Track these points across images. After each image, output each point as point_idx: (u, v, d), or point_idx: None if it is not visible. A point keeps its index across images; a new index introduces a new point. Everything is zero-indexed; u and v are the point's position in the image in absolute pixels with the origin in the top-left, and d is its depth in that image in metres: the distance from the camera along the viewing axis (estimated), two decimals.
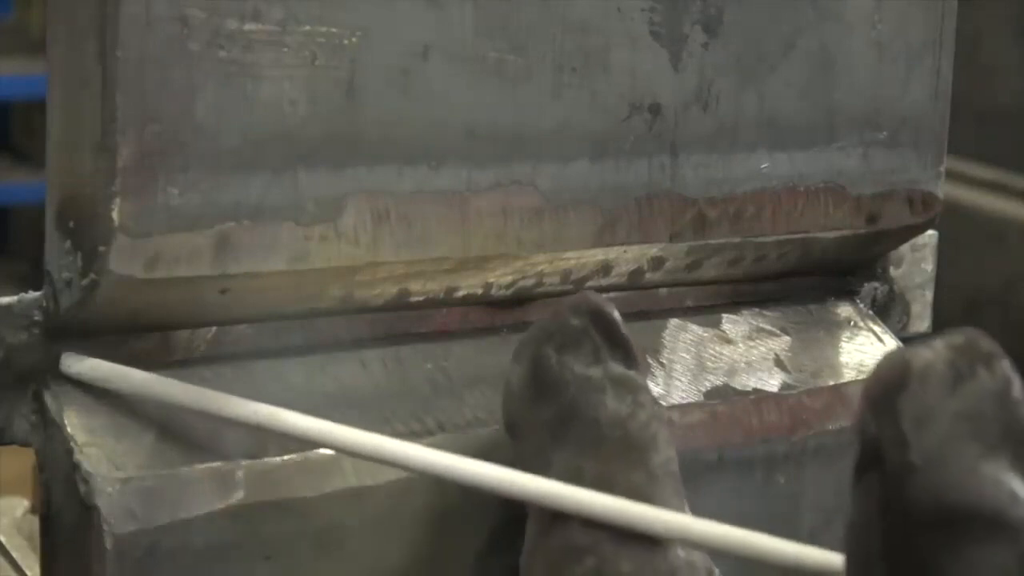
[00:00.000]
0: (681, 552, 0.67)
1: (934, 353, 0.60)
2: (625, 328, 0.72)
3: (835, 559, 0.66)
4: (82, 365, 0.70)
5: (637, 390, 0.71)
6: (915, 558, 0.59)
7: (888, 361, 0.62)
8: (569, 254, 0.79)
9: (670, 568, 0.66)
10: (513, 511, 0.73)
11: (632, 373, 0.71)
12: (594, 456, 0.68)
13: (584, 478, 0.68)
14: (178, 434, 0.71)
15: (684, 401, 0.82)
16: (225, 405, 0.70)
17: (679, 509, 0.68)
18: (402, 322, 0.78)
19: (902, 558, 0.59)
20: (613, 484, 0.67)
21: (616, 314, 0.72)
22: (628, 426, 0.69)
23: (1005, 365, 0.60)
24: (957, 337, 0.61)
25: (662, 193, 0.81)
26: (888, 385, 0.60)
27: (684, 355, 0.84)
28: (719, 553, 0.68)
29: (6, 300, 0.71)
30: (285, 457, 0.72)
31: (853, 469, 0.61)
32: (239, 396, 0.70)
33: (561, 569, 0.67)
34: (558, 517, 0.68)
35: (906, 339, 0.94)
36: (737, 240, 0.84)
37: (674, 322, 0.86)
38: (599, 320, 0.71)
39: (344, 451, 0.70)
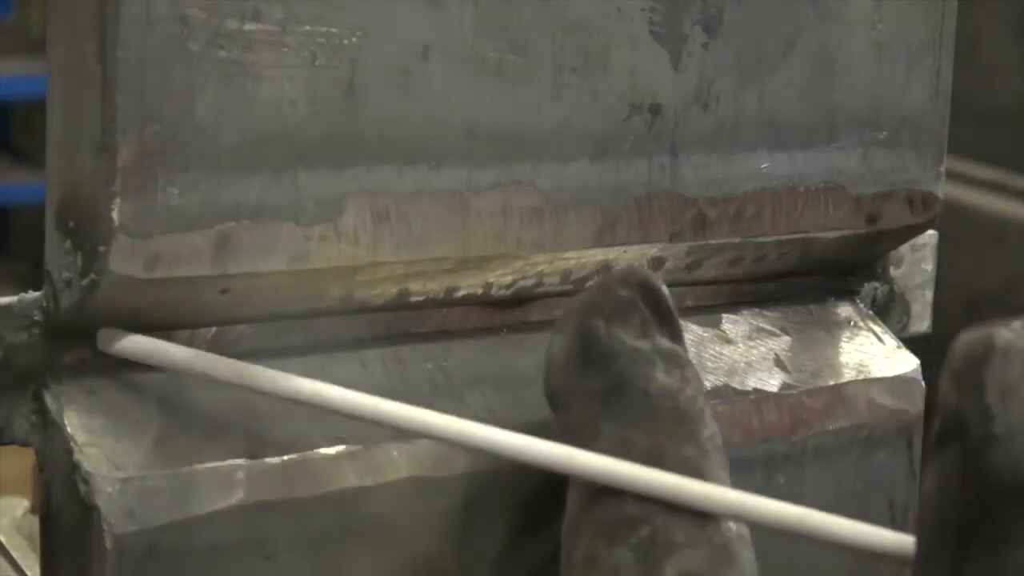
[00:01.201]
0: (732, 524, 0.68)
1: (1014, 332, 0.62)
2: (673, 302, 0.72)
3: (896, 539, 0.66)
4: (122, 342, 0.70)
5: (684, 365, 0.71)
6: (992, 530, 0.60)
7: (970, 337, 0.63)
8: (569, 254, 0.79)
9: (723, 540, 0.67)
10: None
11: (679, 348, 0.72)
12: (645, 429, 0.69)
13: (635, 450, 0.68)
14: (178, 434, 0.71)
15: None
16: (267, 380, 0.70)
17: (726, 482, 0.69)
18: (402, 322, 0.78)
19: (979, 530, 0.60)
20: (664, 457, 0.68)
21: (664, 288, 0.72)
22: (678, 399, 0.69)
23: None
24: None
25: (662, 193, 0.81)
26: (973, 359, 0.62)
27: None
28: (774, 530, 0.69)
29: (6, 300, 0.71)
30: (285, 457, 0.72)
31: (932, 442, 0.62)
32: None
33: (613, 539, 0.67)
34: (605, 490, 0.68)
35: (906, 339, 0.94)
36: (737, 240, 0.84)
37: None
38: (648, 293, 0.71)
39: (385, 425, 0.70)
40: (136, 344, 0.70)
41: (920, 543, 0.63)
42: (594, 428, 0.70)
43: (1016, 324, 0.63)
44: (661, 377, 0.70)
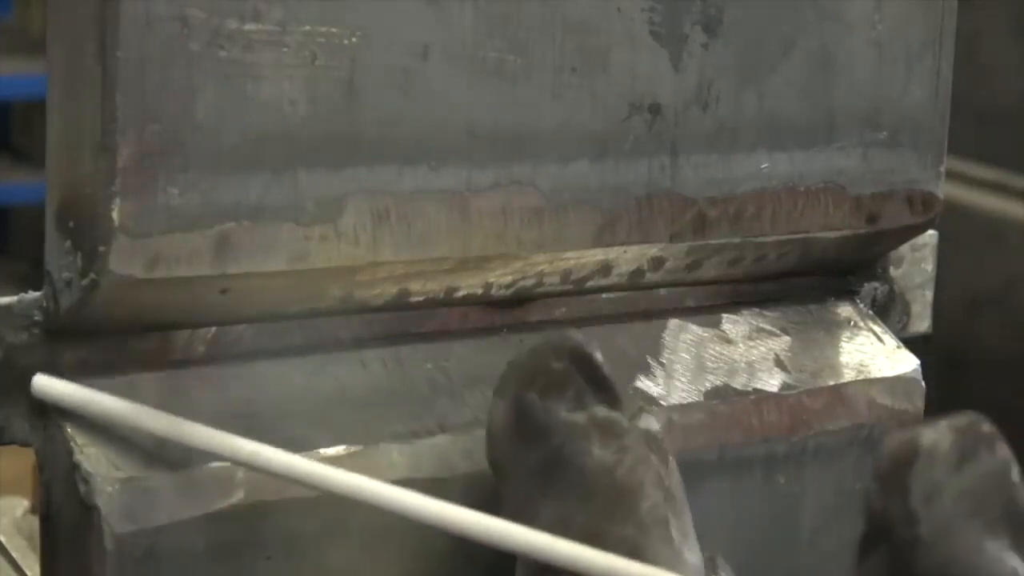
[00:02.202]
0: None
1: (939, 434, 0.63)
2: (607, 367, 0.71)
3: None
4: (54, 388, 0.70)
5: (622, 434, 0.70)
6: None
7: (895, 439, 0.65)
8: (569, 254, 0.79)
9: None
10: None
11: (616, 415, 0.71)
12: (583, 508, 0.68)
13: (573, 530, 0.68)
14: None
15: (684, 401, 0.82)
16: (195, 435, 0.69)
17: (668, 559, 0.68)
18: (402, 322, 0.78)
19: None
20: (602, 537, 0.67)
21: (598, 355, 0.71)
22: (615, 474, 0.69)
23: (1004, 448, 0.64)
24: (961, 419, 0.64)
25: (662, 193, 0.81)
26: (898, 463, 0.63)
27: (684, 355, 0.84)
28: None
29: (6, 300, 0.71)
30: None
31: (860, 542, 0.63)
32: (243, 387, 0.70)
33: None
34: (549, 567, 0.67)
35: (906, 339, 0.94)
36: (737, 240, 0.84)
37: (674, 322, 0.86)
38: (581, 362, 0.71)
39: (318, 488, 0.69)
40: (69, 393, 0.70)
41: None
42: (534, 506, 0.70)
43: (942, 424, 0.64)
44: (597, 452, 0.69)
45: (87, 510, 0.68)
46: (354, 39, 0.71)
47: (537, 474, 0.70)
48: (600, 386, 0.71)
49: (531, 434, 0.70)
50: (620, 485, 0.69)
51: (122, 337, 0.72)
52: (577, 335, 0.72)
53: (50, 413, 0.70)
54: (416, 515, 0.69)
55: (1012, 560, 0.61)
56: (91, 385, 0.71)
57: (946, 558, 0.61)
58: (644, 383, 0.82)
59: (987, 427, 0.64)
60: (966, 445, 0.63)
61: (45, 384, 0.70)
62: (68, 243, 0.69)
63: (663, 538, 0.69)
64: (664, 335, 0.85)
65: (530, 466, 0.70)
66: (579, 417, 0.70)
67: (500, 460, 0.72)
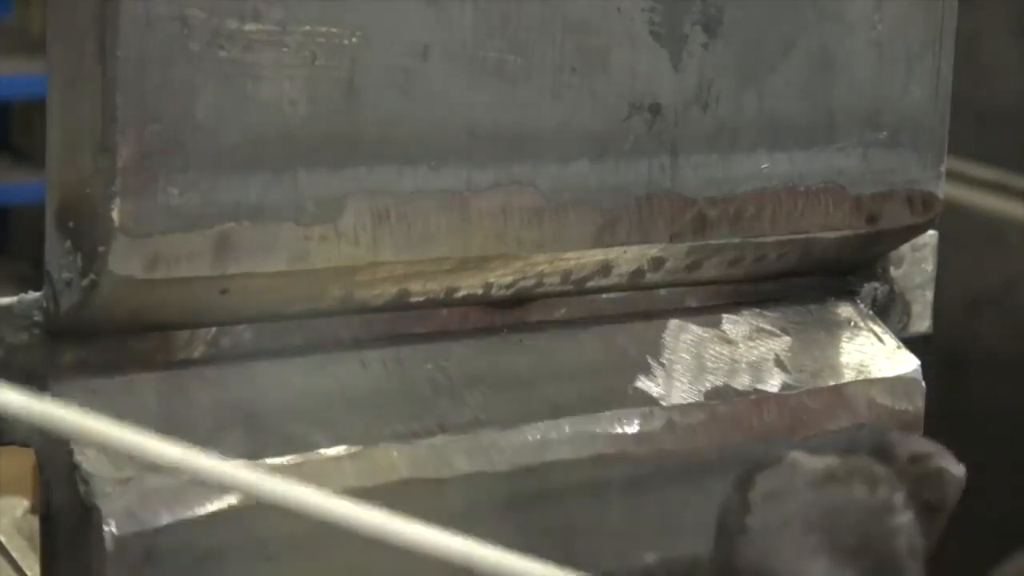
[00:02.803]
0: None
1: (818, 457, 0.64)
2: None
3: None
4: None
5: None
6: None
7: (770, 449, 0.66)
8: (569, 254, 0.79)
9: None
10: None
11: None
12: None
13: None
14: (178, 434, 0.71)
15: (684, 401, 0.82)
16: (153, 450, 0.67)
17: None
18: (402, 322, 0.78)
19: None
20: None
21: None
22: None
23: (896, 496, 0.64)
24: (855, 457, 0.65)
25: (662, 193, 0.81)
26: (757, 463, 0.64)
27: (684, 355, 0.84)
28: None
29: (6, 300, 0.71)
30: (284, 458, 0.72)
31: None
32: (243, 387, 0.70)
33: None
34: None
35: (906, 339, 0.94)
36: (737, 240, 0.84)
37: (674, 322, 0.86)
38: None
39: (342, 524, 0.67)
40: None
41: None
42: None
43: (829, 456, 0.64)
44: None
45: (87, 510, 0.68)
46: (354, 39, 0.71)
47: None
48: None
49: None
50: None
51: (122, 337, 0.72)
52: None
53: None
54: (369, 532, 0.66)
55: None
56: (91, 385, 0.71)
57: (766, 556, 0.61)
58: (644, 383, 0.82)
59: (880, 471, 0.64)
60: (840, 472, 0.63)
61: None
62: (68, 243, 0.69)
63: None
64: (664, 335, 0.85)
65: None
66: None
67: None
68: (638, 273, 0.83)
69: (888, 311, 0.95)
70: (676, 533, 0.80)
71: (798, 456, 0.63)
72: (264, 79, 0.69)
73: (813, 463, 0.63)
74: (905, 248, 0.95)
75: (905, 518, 0.63)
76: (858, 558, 0.61)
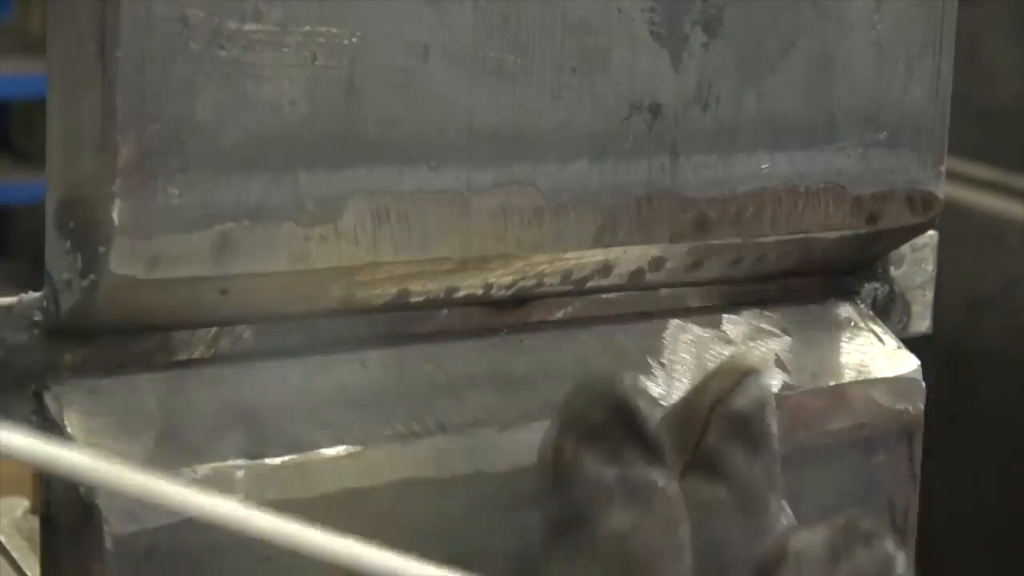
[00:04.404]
0: None
1: (811, 535, 0.63)
2: (654, 421, 0.67)
3: None
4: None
5: (652, 495, 0.66)
6: None
7: (769, 544, 0.64)
8: (569, 254, 0.79)
9: None
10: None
11: (653, 474, 0.66)
12: (585, 572, 0.65)
13: None
14: (178, 434, 0.71)
15: None
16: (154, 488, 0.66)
17: None
18: (402, 322, 0.78)
19: None
20: None
21: (644, 408, 0.67)
22: (628, 543, 0.65)
23: (887, 545, 0.63)
24: (838, 520, 0.63)
25: (662, 193, 0.81)
26: (766, 566, 0.63)
27: (684, 356, 0.84)
28: None
29: (6, 300, 0.71)
30: (284, 458, 0.72)
31: None
32: (243, 387, 0.70)
33: None
34: None
35: (906, 339, 0.94)
36: (737, 240, 0.84)
37: (674, 322, 0.86)
38: (624, 414, 0.67)
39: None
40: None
41: None
42: (546, 555, 0.67)
43: (819, 527, 0.63)
44: (616, 515, 0.65)
45: (87, 510, 0.68)
46: (354, 39, 0.71)
47: (555, 524, 0.67)
48: (642, 441, 0.67)
49: (561, 482, 0.67)
50: (631, 555, 0.65)
51: (122, 337, 0.72)
52: (625, 381, 0.67)
53: (51, 413, 0.70)
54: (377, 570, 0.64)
55: None
56: (91, 385, 0.71)
57: None
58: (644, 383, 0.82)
59: (867, 524, 0.63)
60: (839, 544, 0.62)
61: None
62: (68, 243, 0.69)
63: None
64: (664, 335, 0.85)
65: (551, 513, 0.67)
66: (607, 473, 0.66)
67: (536, 498, 0.69)
68: (638, 273, 0.83)
69: (888, 311, 0.95)
70: None
71: (797, 544, 0.62)
72: (264, 79, 0.69)
73: (813, 545, 0.62)
74: (905, 248, 0.95)
75: (901, 561, 0.63)
76: None
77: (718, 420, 0.69)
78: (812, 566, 0.62)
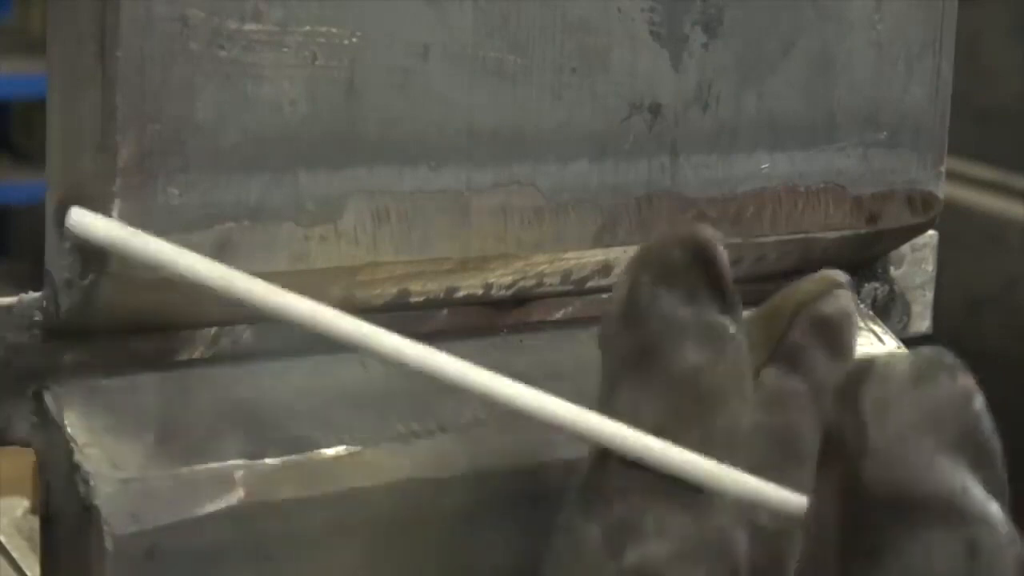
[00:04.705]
0: (724, 519, 0.65)
1: (900, 358, 0.63)
2: (728, 271, 0.68)
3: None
4: (90, 222, 0.67)
5: (724, 339, 0.67)
6: (868, 540, 0.60)
7: (854, 361, 0.65)
8: (569, 254, 0.80)
9: (710, 532, 0.65)
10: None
11: (725, 320, 0.68)
12: (656, 403, 0.66)
13: (640, 423, 0.66)
14: (178, 434, 0.71)
15: None
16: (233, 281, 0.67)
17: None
18: (402, 322, 0.78)
19: (857, 540, 0.60)
20: (666, 437, 0.65)
21: (722, 254, 0.68)
22: (699, 379, 0.66)
23: (968, 379, 0.62)
24: (926, 349, 0.63)
25: (662, 193, 0.81)
26: (852, 378, 0.62)
27: None
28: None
29: (6, 300, 0.71)
30: (285, 458, 0.72)
31: (818, 458, 0.62)
32: (243, 387, 0.70)
33: (589, 512, 0.65)
34: (606, 455, 0.66)
35: (907, 339, 0.94)
36: (737, 240, 0.84)
37: None
38: (703, 259, 0.68)
39: (362, 348, 0.67)
40: (105, 228, 0.66)
41: (805, 555, 0.62)
42: (614, 388, 0.68)
43: (906, 353, 0.64)
44: (690, 352, 0.67)
45: (87, 510, 0.68)
46: (354, 39, 0.71)
47: (629, 358, 0.67)
48: (717, 288, 0.68)
49: (635, 318, 0.68)
50: (701, 389, 0.66)
51: (122, 337, 0.72)
52: (708, 231, 0.69)
53: (51, 413, 0.70)
54: (464, 384, 0.68)
55: (964, 477, 0.60)
56: (91, 385, 0.71)
57: (894, 469, 0.60)
58: None
59: (952, 358, 0.63)
60: (923, 368, 0.62)
61: (81, 218, 0.67)
62: (68, 243, 0.69)
63: (731, 457, 0.66)
64: None
65: (626, 350, 0.68)
66: (683, 312, 0.67)
67: (604, 337, 0.70)
68: None
69: (888, 311, 0.95)
70: None
71: (884, 361, 0.62)
72: (264, 79, 0.69)
73: (901, 366, 0.62)
74: (905, 248, 0.95)
75: (980, 400, 0.62)
76: (962, 449, 0.61)
77: (803, 319, 0.71)
78: (897, 384, 0.61)
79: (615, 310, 0.69)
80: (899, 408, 0.61)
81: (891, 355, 0.65)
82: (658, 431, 0.66)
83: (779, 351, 0.71)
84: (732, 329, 0.69)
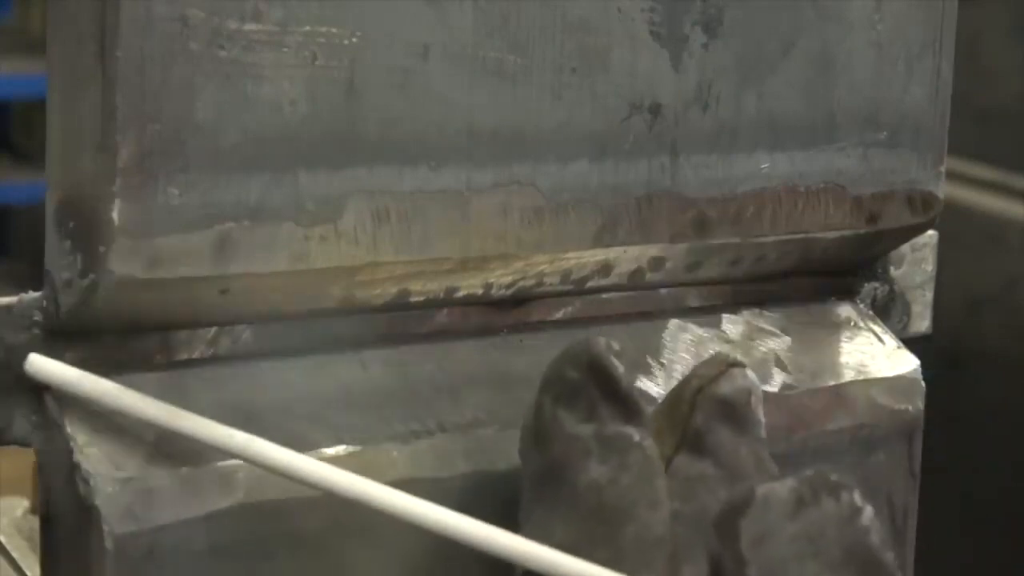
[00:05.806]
0: None
1: (781, 484, 0.65)
2: (627, 380, 0.70)
3: None
4: (48, 368, 0.69)
5: (627, 449, 0.69)
6: None
7: (736, 490, 0.67)
8: (569, 254, 0.79)
9: None
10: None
11: (627, 430, 0.69)
12: (566, 523, 0.68)
13: (553, 542, 0.67)
14: (178, 434, 0.71)
15: None
16: (189, 423, 0.69)
17: None
18: (402, 322, 0.78)
19: None
20: (578, 555, 0.67)
21: (617, 367, 0.70)
22: (604, 494, 0.68)
23: (855, 496, 0.65)
24: (808, 472, 0.65)
25: (662, 193, 0.81)
26: (730, 511, 0.64)
27: (684, 355, 0.84)
28: None
29: (6, 300, 0.71)
30: None
31: None
32: (242, 387, 0.70)
33: None
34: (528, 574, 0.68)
35: (906, 339, 0.94)
36: (737, 240, 0.84)
37: (674, 322, 0.86)
38: (598, 373, 0.70)
39: (310, 485, 0.69)
40: (61, 373, 0.69)
41: None
42: (530, 505, 0.70)
43: (789, 478, 0.65)
44: (593, 468, 0.68)
45: (87, 510, 0.68)
46: (354, 39, 0.71)
47: (538, 479, 0.70)
48: (616, 399, 0.70)
49: (542, 439, 0.70)
50: (607, 505, 0.68)
51: (122, 337, 0.72)
52: (600, 344, 0.70)
53: (51, 413, 0.70)
54: (401, 514, 0.69)
55: None
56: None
57: None
58: (644, 383, 0.82)
59: (835, 478, 0.65)
60: (805, 492, 0.64)
61: (40, 365, 0.69)
62: (68, 243, 0.69)
63: (646, 562, 0.67)
64: (664, 335, 0.85)
65: (534, 470, 0.70)
66: (584, 430, 0.69)
67: (521, 453, 0.72)
68: (638, 273, 0.83)
69: (888, 311, 0.95)
70: None
71: (765, 490, 0.64)
72: (264, 79, 0.69)
73: (781, 493, 0.64)
74: (905, 248, 0.95)
75: (868, 513, 0.64)
76: (846, 568, 0.63)
77: (703, 403, 0.72)
78: (777, 511, 0.64)
79: (524, 432, 0.72)
80: (778, 538, 0.63)
81: (773, 482, 0.66)
82: (570, 550, 0.67)
83: (685, 438, 0.72)
84: (636, 437, 0.70)
